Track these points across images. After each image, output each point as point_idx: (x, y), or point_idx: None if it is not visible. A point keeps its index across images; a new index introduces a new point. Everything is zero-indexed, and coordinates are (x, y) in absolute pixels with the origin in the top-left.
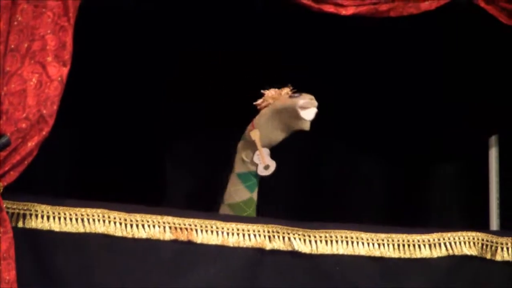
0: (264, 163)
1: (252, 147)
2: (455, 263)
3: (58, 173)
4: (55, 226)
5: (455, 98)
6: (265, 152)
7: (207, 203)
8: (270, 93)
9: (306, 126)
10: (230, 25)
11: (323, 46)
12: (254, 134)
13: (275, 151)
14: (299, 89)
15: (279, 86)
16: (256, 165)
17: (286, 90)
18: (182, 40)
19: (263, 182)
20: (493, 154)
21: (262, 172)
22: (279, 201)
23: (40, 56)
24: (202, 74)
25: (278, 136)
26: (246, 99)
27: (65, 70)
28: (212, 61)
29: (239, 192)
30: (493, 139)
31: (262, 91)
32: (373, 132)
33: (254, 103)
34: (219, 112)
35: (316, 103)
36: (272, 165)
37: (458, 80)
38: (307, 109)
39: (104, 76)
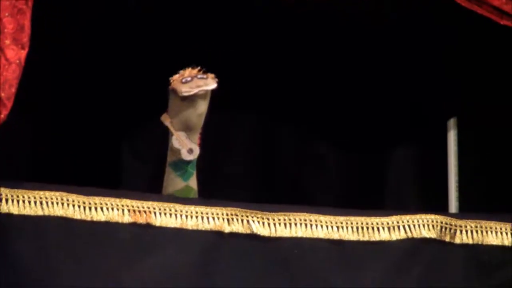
0: (185, 148)
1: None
2: (414, 246)
3: (16, 156)
4: (13, 209)
5: (413, 80)
6: (182, 135)
7: None
8: (175, 76)
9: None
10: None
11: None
12: (164, 118)
13: (229, 135)
14: None
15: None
16: (179, 150)
17: (186, 72)
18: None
19: (218, 166)
20: (452, 137)
21: (186, 156)
22: (233, 186)
23: None
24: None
25: (190, 117)
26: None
27: (23, 53)
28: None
29: (172, 182)
30: (452, 122)
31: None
32: (329, 114)
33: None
34: None
35: (205, 87)
36: (194, 148)
37: (416, 62)
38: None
39: (63, 59)
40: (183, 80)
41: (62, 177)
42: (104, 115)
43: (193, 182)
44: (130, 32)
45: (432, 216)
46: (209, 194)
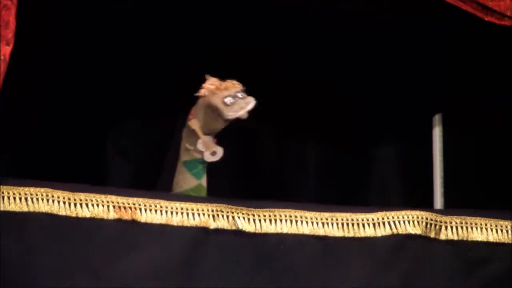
0: (210, 150)
1: (195, 135)
2: (399, 242)
3: (1, 152)
4: None
5: (398, 76)
6: (208, 139)
7: (150, 184)
8: (208, 84)
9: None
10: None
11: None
12: (193, 123)
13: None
14: None
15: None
16: (201, 152)
17: (225, 85)
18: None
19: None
20: (437, 133)
21: (209, 158)
22: (217, 187)
23: None
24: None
25: (217, 124)
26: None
27: (8, 49)
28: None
29: (186, 180)
30: (437, 118)
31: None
32: (313, 110)
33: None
34: (166, 97)
35: (247, 108)
36: (219, 151)
37: (401, 59)
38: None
39: (47, 56)
40: (227, 102)
41: (47, 173)
42: (90, 111)
43: (204, 181)
44: (116, 30)
45: (417, 212)
46: None
